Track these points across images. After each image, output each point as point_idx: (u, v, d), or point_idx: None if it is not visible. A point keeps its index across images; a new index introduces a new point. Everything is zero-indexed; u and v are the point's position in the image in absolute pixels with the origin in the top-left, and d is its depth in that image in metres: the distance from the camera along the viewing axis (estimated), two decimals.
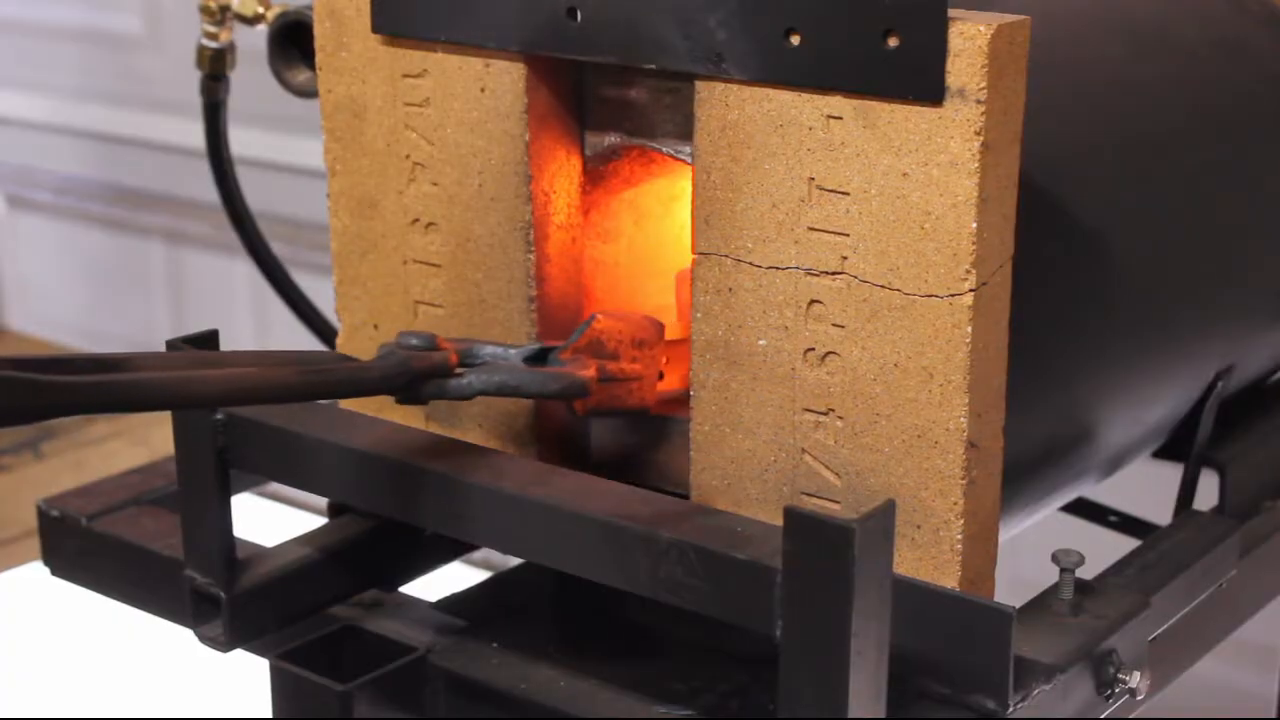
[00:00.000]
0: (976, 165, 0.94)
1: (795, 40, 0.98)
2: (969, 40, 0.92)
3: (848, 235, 0.99)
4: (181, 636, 1.17)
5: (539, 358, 1.07)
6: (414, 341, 1.03)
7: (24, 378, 0.83)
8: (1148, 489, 1.46)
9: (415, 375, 1.02)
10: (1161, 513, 1.32)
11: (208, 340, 1.09)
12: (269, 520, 1.48)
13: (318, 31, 1.20)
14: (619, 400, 1.10)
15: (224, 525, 1.13)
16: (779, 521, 0.89)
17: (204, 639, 1.14)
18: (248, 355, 1.01)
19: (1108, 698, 1.07)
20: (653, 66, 1.04)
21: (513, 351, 1.07)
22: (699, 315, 1.06)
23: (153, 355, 0.96)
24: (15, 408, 0.83)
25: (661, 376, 1.13)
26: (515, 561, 1.22)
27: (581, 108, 1.15)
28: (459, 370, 1.04)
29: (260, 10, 1.50)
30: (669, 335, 1.15)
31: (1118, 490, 1.40)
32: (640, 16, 1.04)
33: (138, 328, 3.55)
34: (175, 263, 3.48)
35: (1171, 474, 1.33)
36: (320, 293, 1.53)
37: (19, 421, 0.84)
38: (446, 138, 1.16)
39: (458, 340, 1.07)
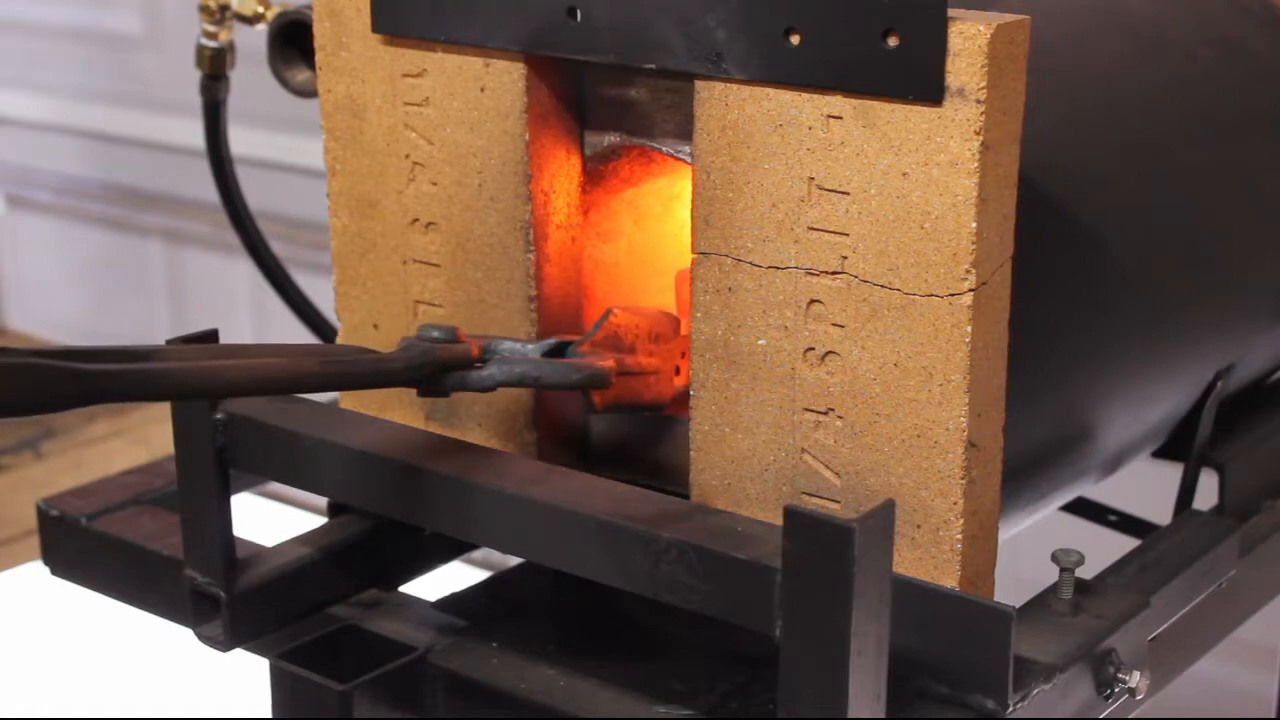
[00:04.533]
0: (976, 165, 0.94)
1: (795, 40, 0.98)
2: (969, 40, 0.92)
3: (848, 235, 0.99)
4: (181, 636, 1.17)
5: (557, 351, 1.08)
6: (435, 334, 1.04)
7: (63, 366, 0.85)
8: (1148, 489, 1.46)
9: (438, 367, 1.03)
10: (1161, 513, 1.32)
11: (207, 340, 1.08)
12: (269, 520, 1.48)
13: (318, 31, 1.20)
14: (636, 394, 1.10)
15: (224, 525, 1.13)
16: (779, 521, 0.89)
17: (204, 639, 1.14)
18: (270, 348, 1.03)
19: (1107, 697, 1.07)
20: (652, 66, 1.04)
21: (530, 346, 1.08)
22: (699, 315, 1.06)
23: (178, 348, 0.98)
24: (52, 395, 0.85)
25: (678, 371, 1.14)
26: (515, 561, 1.22)
27: (581, 107, 1.15)
28: (479, 363, 1.05)
29: (260, 10, 1.50)
30: None
31: (1118, 490, 1.40)
32: (640, 16, 1.04)
33: (138, 328, 3.55)
34: (175, 263, 3.48)
35: (1171, 474, 1.33)
36: (320, 293, 1.53)
37: (54, 409, 0.86)
38: (446, 137, 1.16)
39: (476, 335, 1.08)
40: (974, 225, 0.95)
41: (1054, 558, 1.10)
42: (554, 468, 1.09)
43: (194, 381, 0.92)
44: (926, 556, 1.00)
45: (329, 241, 1.24)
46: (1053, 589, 1.10)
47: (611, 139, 1.15)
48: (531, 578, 1.22)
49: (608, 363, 1.07)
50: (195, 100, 1.57)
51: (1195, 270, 1.26)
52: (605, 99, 1.14)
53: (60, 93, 3.53)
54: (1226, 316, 1.32)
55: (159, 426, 2.47)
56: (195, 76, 1.57)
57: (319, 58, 1.21)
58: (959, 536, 0.99)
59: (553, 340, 1.09)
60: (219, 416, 1.11)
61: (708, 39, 1.01)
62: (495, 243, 1.16)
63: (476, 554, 1.33)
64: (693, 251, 1.06)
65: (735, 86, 1.01)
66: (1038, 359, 1.09)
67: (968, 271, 0.95)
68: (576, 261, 1.18)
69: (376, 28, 1.16)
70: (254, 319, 3.30)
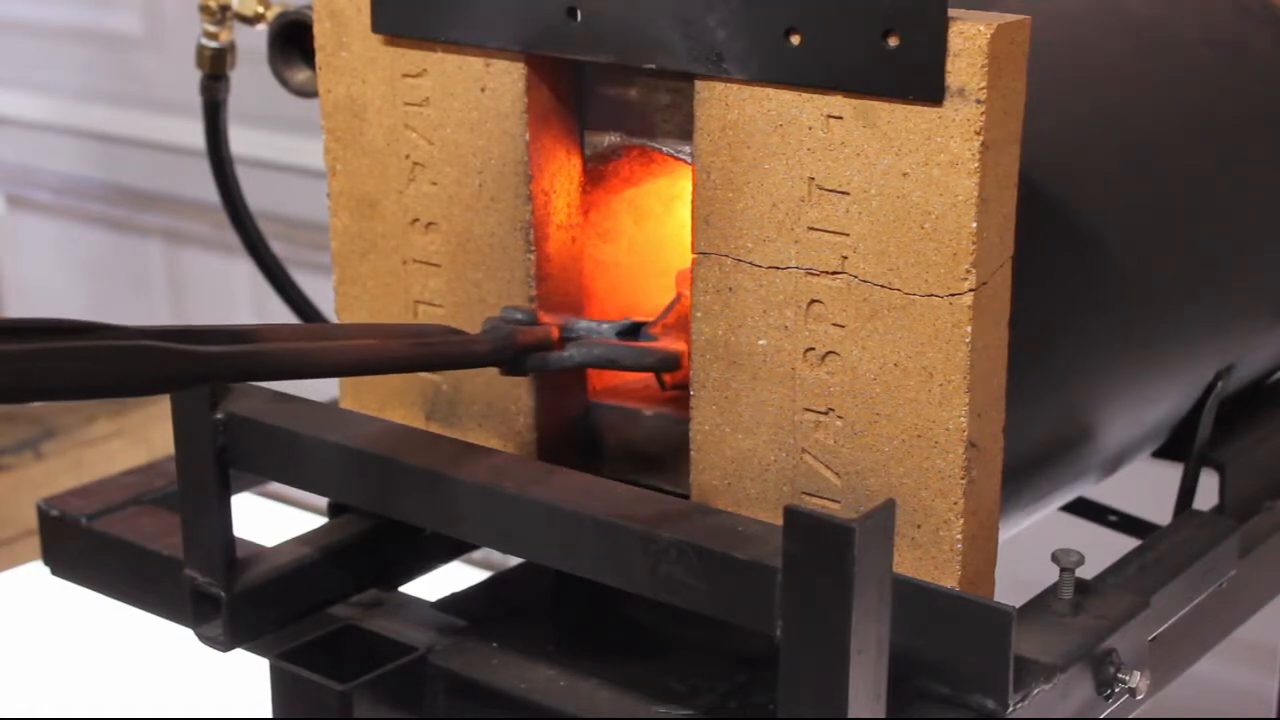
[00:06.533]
0: (976, 165, 0.94)
1: (795, 40, 0.98)
2: (969, 40, 0.92)
3: (848, 235, 0.99)
4: (181, 636, 1.17)
5: (631, 333, 1.11)
6: (518, 316, 1.07)
7: (175, 348, 0.86)
8: (1148, 489, 1.46)
9: (521, 348, 1.06)
10: (1161, 513, 1.32)
11: None
12: (269, 520, 1.48)
13: (318, 31, 1.20)
14: None
15: (224, 525, 1.13)
16: (779, 521, 0.89)
17: (204, 639, 1.14)
18: (359, 328, 1.06)
19: (1107, 698, 1.07)
20: (653, 66, 1.04)
21: (605, 326, 1.11)
22: (699, 315, 1.06)
23: (274, 326, 1.00)
24: (162, 377, 0.87)
25: None
26: (515, 561, 1.22)
27: (581, 108, 1.15)
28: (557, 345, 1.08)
29: (260, 10, 1.50)
30: None
31: (1118, 490, 1.40)
32: (640, 16, 1.04)
33: None
34: (175, 263, 3.48)
35: (1171, 474, 1.33)
36: (320, 293, 1.53)
37: (162, 390, 0.89)
38: (446, 137, 1.16)
39: (553, 316, 1.10)
40: (974, 225, 0.95)
41: (1054, 558, 1.10)
42: (554, 468, 1.09)
43: (296, 363, 0.95)
44: (926, 556, 1.00)
45: (329, 241, 1.24)
46: (1053, 589, 1.10)
47: (611, 139, 1.15)
48: (531, 578, 1.22)
49: (679, 345, 1.10)
50: (195, 100, 1.57)
51: (1195, 270, 1.26)
52: (605, 99, 1.14)
53: (60, 93, 3.53)
54: (1226, 316, 1.32)
55: (159, 426, 2.47)
56: (195, 76, 1.57)
57: (319, 58, 1.21)
58: (959, 536, 0.99)
59: (628, 321, 1.12)
60: (219, 416, 1.11)
61: (708, 39, 1.01)
62: (495, 243, 1.16)
63: (476, 554, 1.33)
64: (693, 251, 1.06)
65: (735, 86, 1.01)
66: (1038, 359, 1.09)
67: (968, 271, 0.95)
68: (577, 261, 1.18)
69: (376, 28, 1.16)
70: (254, 319, 3.29)
